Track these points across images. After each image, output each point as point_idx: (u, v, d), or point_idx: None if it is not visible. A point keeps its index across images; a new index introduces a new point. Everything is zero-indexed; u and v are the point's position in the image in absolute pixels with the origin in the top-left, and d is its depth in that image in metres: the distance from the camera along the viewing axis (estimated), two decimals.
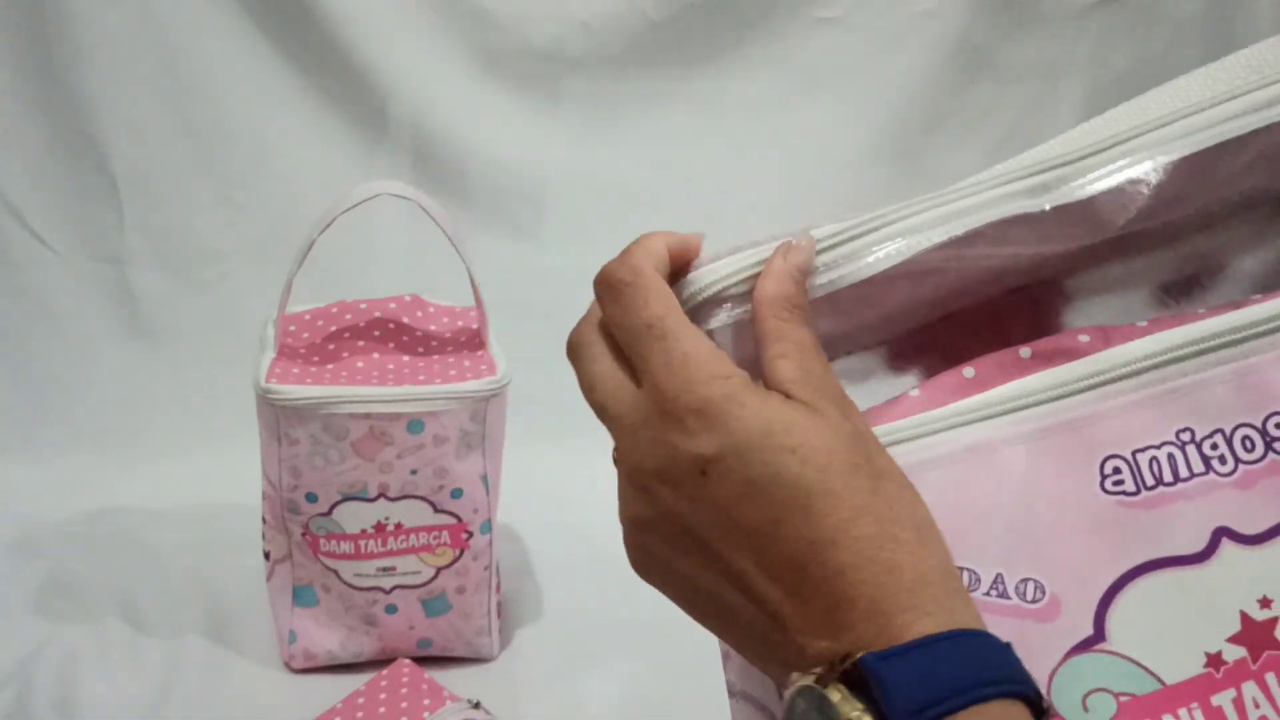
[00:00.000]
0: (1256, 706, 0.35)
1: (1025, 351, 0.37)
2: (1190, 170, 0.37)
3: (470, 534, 0.75)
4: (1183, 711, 0.35)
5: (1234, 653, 0.35)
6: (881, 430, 0.36)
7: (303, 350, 0.74)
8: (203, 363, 1.14)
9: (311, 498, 0.72)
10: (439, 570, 0.76)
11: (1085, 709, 0.35)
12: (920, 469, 0.36)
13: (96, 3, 1.08)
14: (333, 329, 0.76)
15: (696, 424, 0.32)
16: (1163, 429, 0.36)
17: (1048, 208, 0.36)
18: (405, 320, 0.77)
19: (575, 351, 0.36)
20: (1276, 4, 1.13)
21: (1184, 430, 0.36)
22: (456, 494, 0.74)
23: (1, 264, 1.12)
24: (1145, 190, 0.37)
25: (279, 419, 0.70)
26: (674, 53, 1.15)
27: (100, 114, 1.11)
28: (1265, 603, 0.35)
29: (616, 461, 0.35)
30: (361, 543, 0.74)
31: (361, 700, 0.65)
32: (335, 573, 0.75)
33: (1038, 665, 0.35)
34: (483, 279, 0.77)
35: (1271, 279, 0.41)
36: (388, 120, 1.15)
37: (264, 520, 0.76)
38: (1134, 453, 0.36)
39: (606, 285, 0.35)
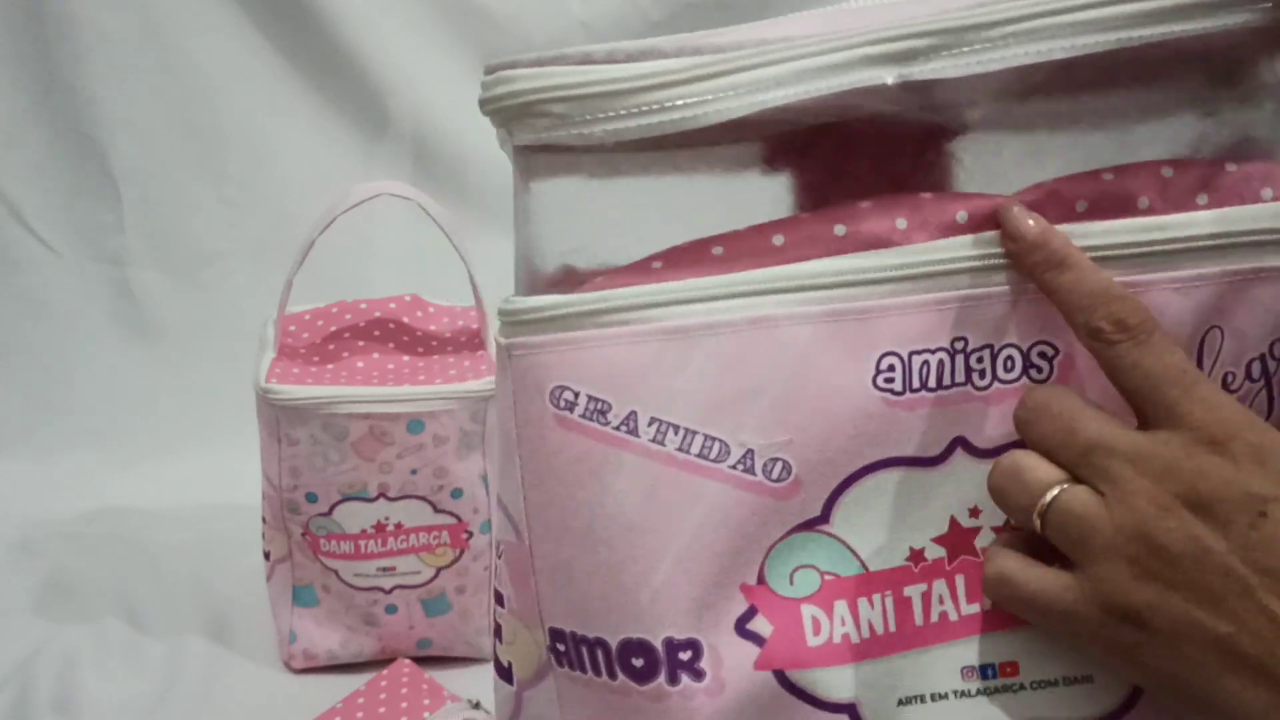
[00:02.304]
0: (940, 603, 0.37)
1: (840, 229, 0.37)
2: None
3: (470, 534, 0.75)
4: (875, 597, 0.37)
5: (935, 552, 0.37)
6: (668, 288, 0.37)
7: (303, 350, 0.74)
8: (203, 363, 1.14)
9: (311, 498, 0.72)
10: (439, 570, 0.76)
11: (791, 581, 0.37)
12: (699, 333, 0.36)
13: (96, 3, 1.08)
14: (333, 329, 0.76)
15: (1251, 464, 0.32)
16: (942, 335, 0.36)
17: (890, 82, 0.35)
18: (405, 320, 0.77)
19: (1050, 398, 0.35)
20: None
21: (960, 339, 0.36)
22: (456, 494, 0.74)
23: (1, 264, 1.12)
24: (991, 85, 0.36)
25: (279, 419, 0.70)
26: None
27: (100, 114, 1.11)
28: (975, 512, 0.37)
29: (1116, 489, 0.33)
30: (361, 543, 0.74)
31: (361, 700, 0.65)
32: (335, 573, 0.75)
33: (763, 538, 0.37)
34: (483, 279, 0.77)
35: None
36: (388, 120, 1.15)
37: (264, 520, 0.76)
38: (910, 354, 0.36)
39: (1123, 327, 0.34)
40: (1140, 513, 0.33)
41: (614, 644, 0.37)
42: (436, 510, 0.74)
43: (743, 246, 0.37)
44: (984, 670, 0.37)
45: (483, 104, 0.38)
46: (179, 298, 1.16)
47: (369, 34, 1.12)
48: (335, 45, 1.12)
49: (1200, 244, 0.36)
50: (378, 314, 0.77)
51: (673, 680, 0.37)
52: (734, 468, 0.37)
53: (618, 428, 0.37)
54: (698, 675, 0.37)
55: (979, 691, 0.37)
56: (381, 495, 0.73)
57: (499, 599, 0.41)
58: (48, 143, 1.11)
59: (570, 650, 0.39)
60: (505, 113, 0.37)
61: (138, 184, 1.13)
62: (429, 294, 0.80)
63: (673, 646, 0.37)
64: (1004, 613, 0.37)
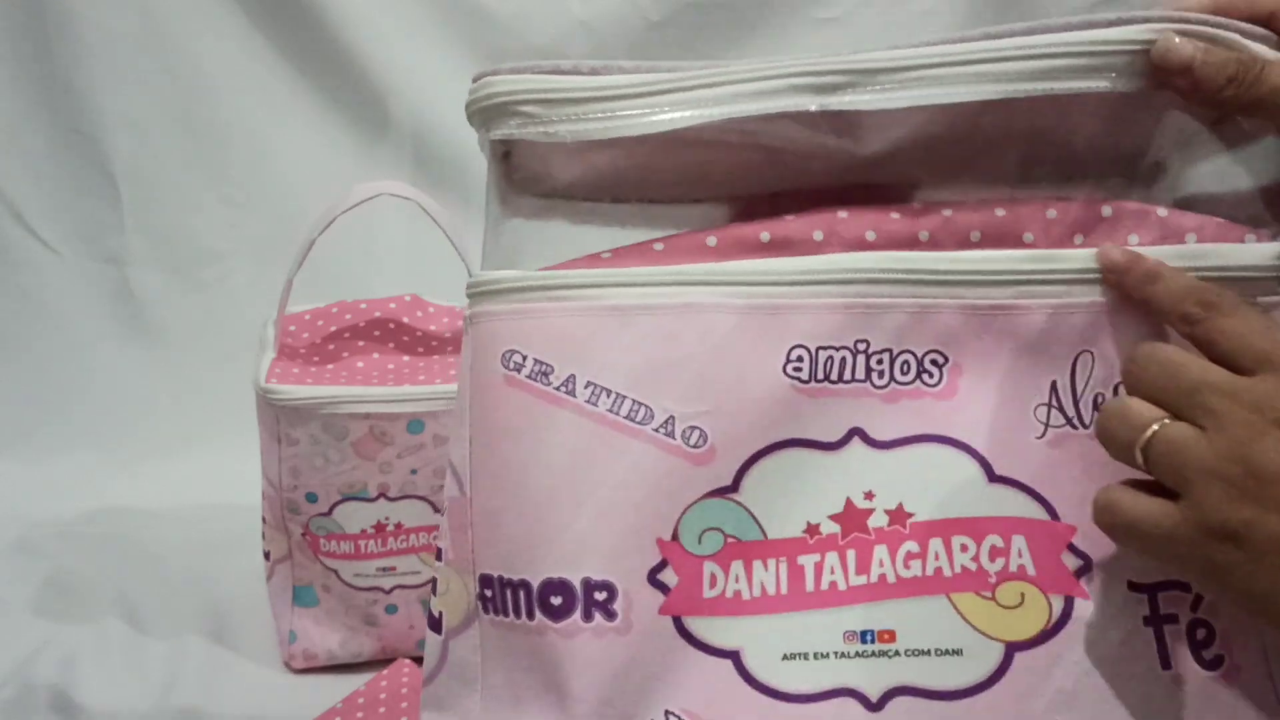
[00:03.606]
0: (831, 573, 0.42)
1: (765, 235, 0.43)
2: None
3: None
4: (771, 561, 0.42)
5: (830, 527, 0.42)
6: (613, 272, 0.42)
7: (303, 350, 0.74)
8: (203, 363, 1.14)
9: (311, 498, 0.72)
10: None
11: (699, 540, 0.42)
12: (635, 312, 0.42)
13: (96, 3, 1.08)
14: (333, 329, 0.76)
15: None
16: (846, 335, 0.41)
17: (814, 109, 0.41)
18: (405, 320, 0.77)
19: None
20: None
21: (861, 340, 0.42)
22: None
23: (1, 264, 1.12)
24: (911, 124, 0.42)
25: (279, 419, 0.70)
26: (674, 53, 1.15)
27: (100, 113, 1.11)
28: (869, 495, 0.42)
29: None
30: (361, 543, 0.74)
31: (361, 700, 0.65)
32: (335, 573, 0.75)
33: (680, 498, 0.42)
34: None
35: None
36: (388, 120, 1.15)
37: (264, 520, 0.76)
38: (818, 348, 0.41)
39: (1208, 305, 0.38)
40: (1238, 437, 0.35)
41: (536, 584, 0.42)
42: (436, 510, 0.74)
43: (680, 244, 0.43)
44: (864, 635, 0.41)
45: (468, 106, 0.44)
46: (179, 298, 1.16)
47: (369, 34, 1.12)
48: (335, 45, 1.12)
49: (1073, 276, 0.41)
50: (378, 314, 0.77)
51: (587, 616, 0.41)
52: (657, 430, 0.41)
53: (558, 388, 0.42)
54: (610, 615, 0.41)
55: (857, 654, 0.41)
56: (381, 495, 0.73)
57: (438, 554, 0.45)
58: (48, 143, 1.11)
59: (496, 594, 0.43)
60: (484, 113, 0.43)
61: (138, 184, 1.13)
62: (429, 294, 0.80)
63: (590, 586, 0.41)
64: (887, 584, 0.41)
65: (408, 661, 0.69)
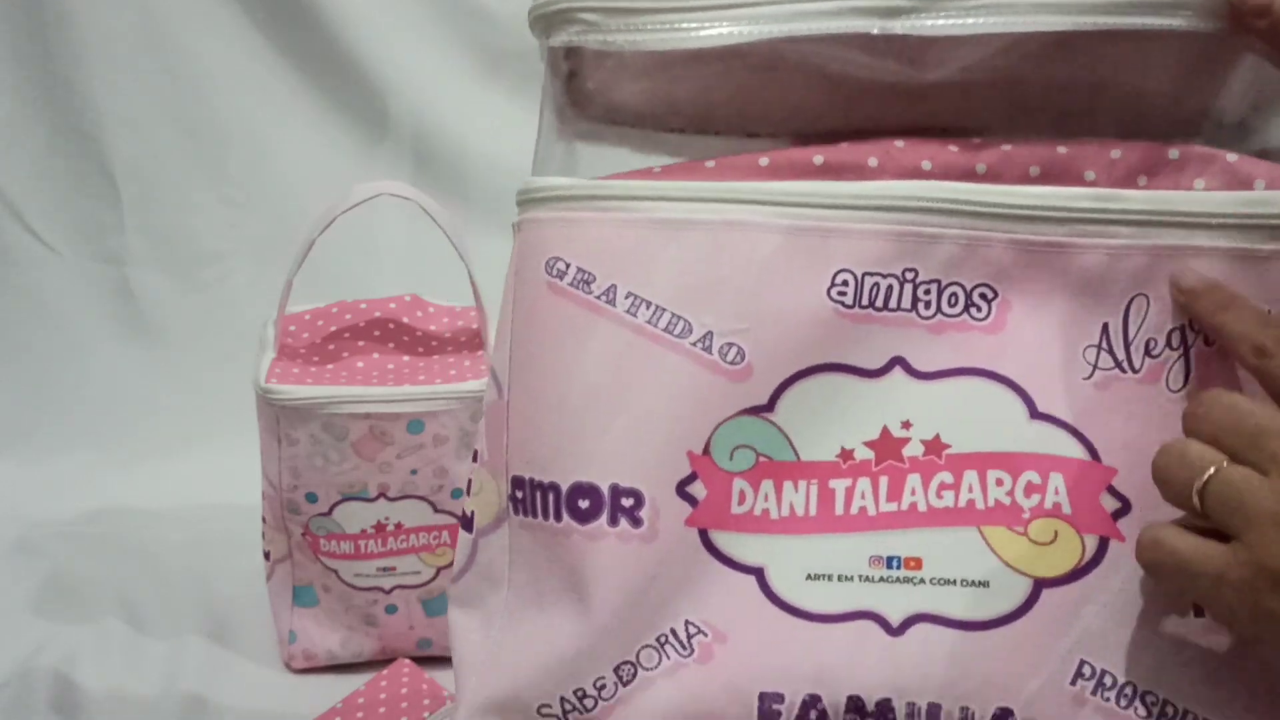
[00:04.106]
0: (862, 498, 0.42)
1: (818, 159, 0.42)
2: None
3: None
4: (802, 483, 0.42)
5: (864, 454, 0.42)
6: (660, 185, 0.42)
7: (303, 350, 0.74)
8: (203, 363, 1.14)
9: (311, 498, 0.72)
10: (439, 570, 0.76)
11: (730, 457, 0.42)
12: (680, 226, 0.41)
13: (96, 2, 1.08)
14: (333, 329, 0.76)
15: None
16: (894, 263, 0.41)
17: (875, 31, 0.40)
18: (405, 320, 0.77)
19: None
20: None
21: (910, 270, 0.41)
22: (456, 494, 0.74)
23: (1, 264, 1.12)
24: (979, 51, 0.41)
25: (279, 419, 0.70)
26: None
27: (100, 113, 1.11)
28: (906, 425, 0.42)
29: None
30: (361, 543, 0.74)
31: (361, 700, 0.65)
32: (335, 573, 0.75)
33: (713, 413, 0.42)
34: (482, 279, 0.77)
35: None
36: (388, 120, 1.15)
37: (264, 520, 0.76)
38: (864, 274, 0.41)
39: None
40: None
41: (565, 487, 0.42)
42: (436, 510, 0.74)
43: (732, 163, 0.43)
44: (889, 561, 0.42)
45: (530, 11, 0.43)
46: (179, 298, 1.15)
47: (369, 34, 1.12)
48: (335, 45, 1.12)
49: (1134, 218, 0.40)
50: (378, 314, 0.77)
51: (613, 522, 0.42)
52: (694, 345, 0.41)
53: (599, 297, 0.42)
54: (636, 522, 0.42)
55: (881, 579, 0.42)
56: (381, 495, 0.73)
57: (474, 456, 0.46)
58: (48, 143, 1.11)
59: (526, 496, 0.44)
60: (546, 19, 0.42)
61: (138, 184, 1.13)
62: (429, 294, 0.80)
63: (617, 492, 0.42)
64: (917, 513, 0.41)
65: (408, 661, 0.69)
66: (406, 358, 0.75)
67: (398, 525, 0.74)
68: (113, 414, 1.12)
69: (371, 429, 0.70)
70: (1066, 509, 0.41)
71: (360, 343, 0.75)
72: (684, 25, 0.41)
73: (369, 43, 1.12)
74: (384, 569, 0.75)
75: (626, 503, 0.42)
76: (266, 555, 0.77)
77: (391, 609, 0.76)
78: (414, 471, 0.72)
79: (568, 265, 0.42)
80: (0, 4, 1.08)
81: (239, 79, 1.13)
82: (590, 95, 0.45)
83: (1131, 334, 0.40)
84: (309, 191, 1.10)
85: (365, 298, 0.78)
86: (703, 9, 0.40)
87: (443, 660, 0.79)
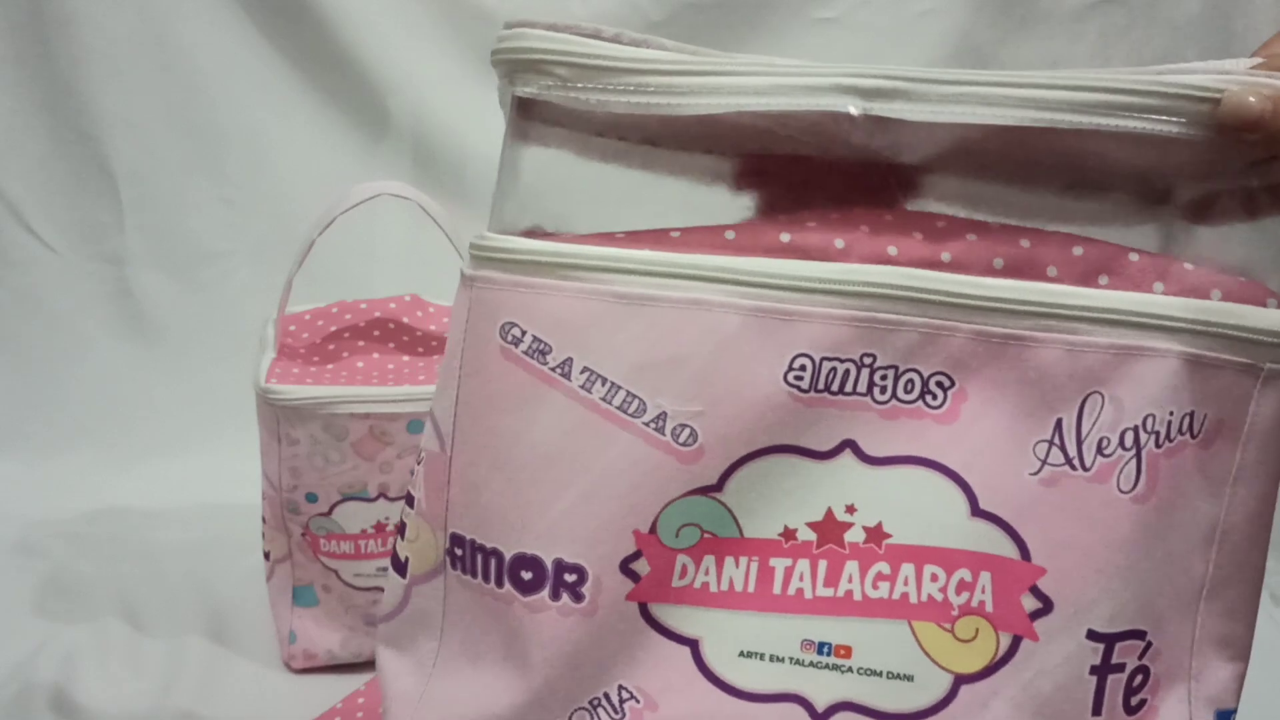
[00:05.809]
0: (800, 579, 0.42)
1: (785, 237, 0.42)
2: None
3: None
4: (743, 559, 0.42)
5: (806, 535, 0.42)
6: (624, 255, 0.41)
7: (303, 350, 0.74)
8: (203, 363, 1.14)
9: (311, 498, 0.72)
10: None
11: (676, 535, 0.42)
12: (641, 302, 0.41)
13: (96, 3, 1.08)
14: (333, 329, 0.76)
15: None
16: (853, 348, 0.41)
17: (854, 112, 0.39)
18: (405, 320, 0.77)
19: None
20: (1275, 4, 1.13)
21: (868, 355, 0.41)
22: None
23: (1, 264, 1.12)
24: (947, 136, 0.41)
25: (279, 419, 0.70)
26: None
27: (100, 114, 1.11)
28: (850, 509, 0.42)
29: None
30: (361, 543, 0.74)
31: (361, 700, 0.65)
32: (335, 573, 0.75)
33: (662, 494, 0.41)
34: None
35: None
36: (388, 120, 1.15)
37: (264, 520, 0.76)
38: (822, 359, 0.41)
39: None
40: None
41: (508, 556, 0.43)
42: None
43: (697, 235, 0.42)
44: (821, 646, 0.42)
45: (495, 53, 0.42)
46: (179, 298, 1.16)
47: (369, 34, 1.12)
48: (335, 45, 1.12)
49: (1095, 315, 0.40)
50: (378, 314, 0.77)
51: (555, 596, 0.42)
52: (647, 424, 0.41)
53: (554, 369, 0.41)
54: (577, 597, 0.42)
55: (811, 664, 0.42)
56: (381, 495, 0.73)
57: (410, 501, 0.46)
58: (48, 143, 1.11)
59: (466, 555, 0.44)
60: (513, 65, 0.41)
61: (137, 184, 1.13)
62: (429, 294, 0.80)
63: (561, 567, 0.42)
64: (852, 601, 0.42)
65: None
66: (406, 358, 0.75)
67: (398, 525, 0.74)
68: (112, 414, 1.12)
69: (371, 429, 0.70)
70: (989, 607, 0.41)
71: (360, 343, 0.75)
72: (658, 101, 0.40)
73: (369, 43, 1.12)
74: (384, 569, 0.75)
75: (569, 578, 0.42)
76: (266, 555, 0.77)
77: None
78: (414, 472, 0.72)
79: (524, 333, 0.42)
80: (1, 5, 1.08)
81: (239, 79, 1.13)
82: (539, 108, 0.44)
83: (1085, 431, 0.41)
84: (309, 191, 1.10)
85: (365, 298, 0.78)
86: (678, 73, 0.40)
87: None
